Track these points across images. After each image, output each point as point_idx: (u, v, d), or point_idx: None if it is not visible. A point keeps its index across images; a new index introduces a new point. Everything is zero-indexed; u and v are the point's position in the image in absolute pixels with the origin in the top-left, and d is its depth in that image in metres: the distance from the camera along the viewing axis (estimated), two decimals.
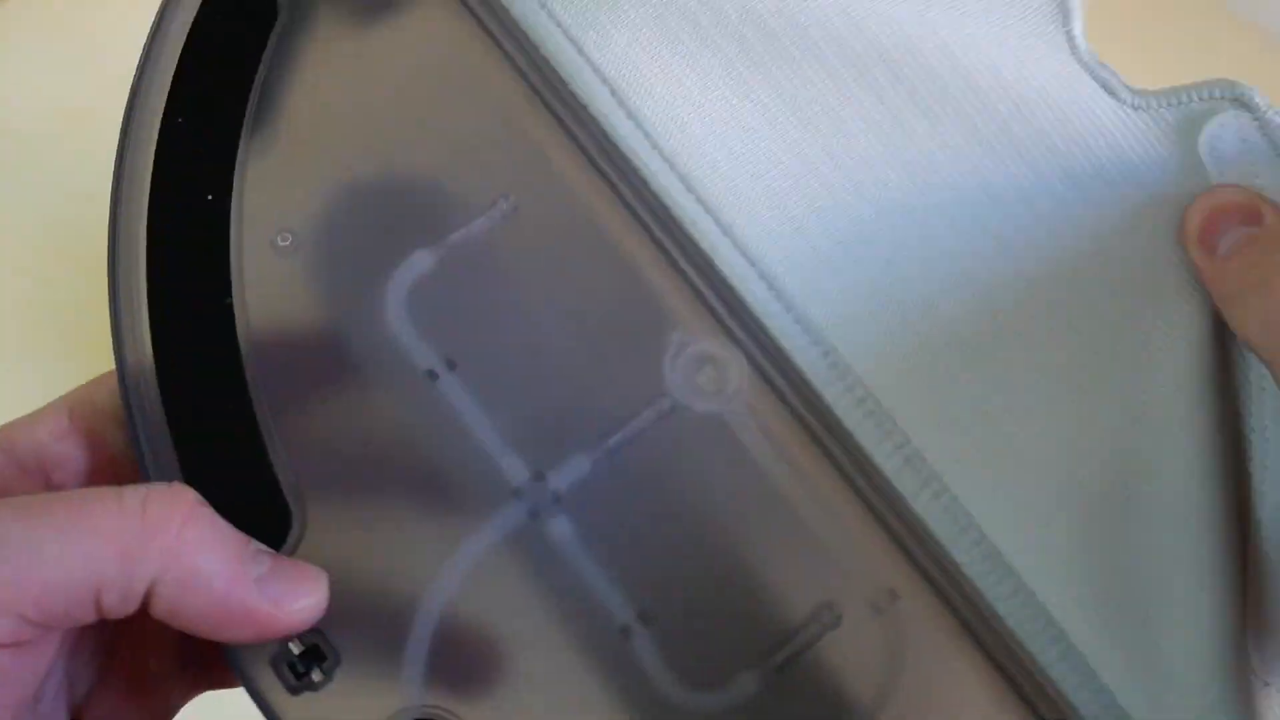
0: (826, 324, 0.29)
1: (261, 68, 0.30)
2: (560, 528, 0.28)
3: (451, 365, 0.29)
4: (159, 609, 0.25)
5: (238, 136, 0.30)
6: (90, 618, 0.25)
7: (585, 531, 0.28)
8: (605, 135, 0.30)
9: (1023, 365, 0.29)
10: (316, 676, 0.27)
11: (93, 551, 0.24)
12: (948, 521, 0.28)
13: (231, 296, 0.29)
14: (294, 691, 0.27)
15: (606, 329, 0.30)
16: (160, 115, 0.30)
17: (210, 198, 0.30)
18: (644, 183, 0.30)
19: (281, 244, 0.30)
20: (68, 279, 0.51)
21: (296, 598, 0.26)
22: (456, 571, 0.28)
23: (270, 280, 0.29)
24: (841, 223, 0.30)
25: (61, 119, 0.56)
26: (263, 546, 0.27)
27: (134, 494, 0.25)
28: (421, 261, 0.30)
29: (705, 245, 0.30)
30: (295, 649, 0.27)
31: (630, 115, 0.30)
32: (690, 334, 0.30)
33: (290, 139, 0.30)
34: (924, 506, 0.28)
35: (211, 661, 0.31)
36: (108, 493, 0.25)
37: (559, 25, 0.31)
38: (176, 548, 0.25)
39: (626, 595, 0.28)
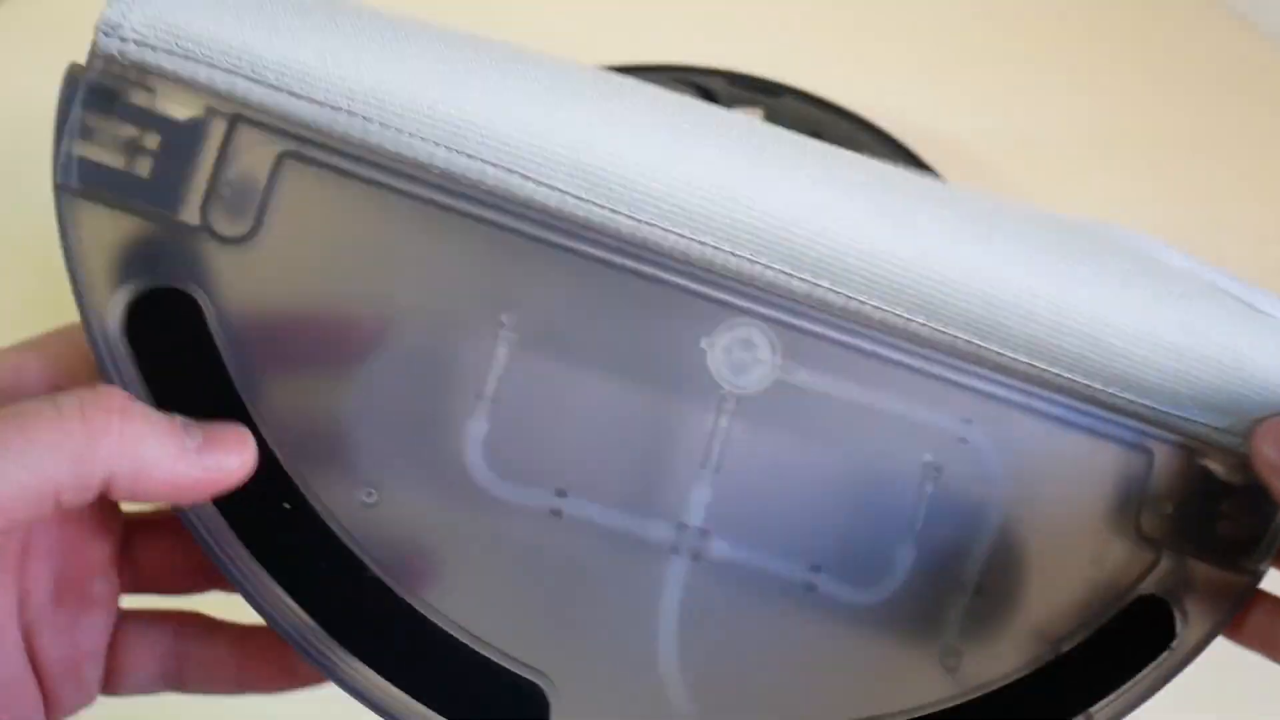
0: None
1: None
2: (720, 550, 0.33)
3: (563, 493, 0.32)
4: (117, 495, 0.28)
5: None
6: (51, 514, 0.28)
7: (738, 538, 0.33)
8: (544, 212, 0.32)
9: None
10: None
11: (45, 463, 0.27)
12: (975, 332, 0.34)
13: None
14: None
15: (648, 372, 0.33)
16: None
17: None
18: (594, 228, 0.32)
19: (368, 500, 0.31)
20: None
21: (230, 459, 0.30)
22: (672, 634, 0.33)
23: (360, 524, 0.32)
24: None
25: None
26: (190, 420, 0.30)
27: (69, 401, 0.28)
28: (478, 428, 0.32)
29: (676, 250, 0.32)
30: None
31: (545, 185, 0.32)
32: (713, 332, 0.33)
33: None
34: (956, 346, 0.34)
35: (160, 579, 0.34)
36: (44, 406, 0.27)
37: (430, 140, 0.31)
38: (120, 446, 0.28)
39: (794, 560, 0.33)
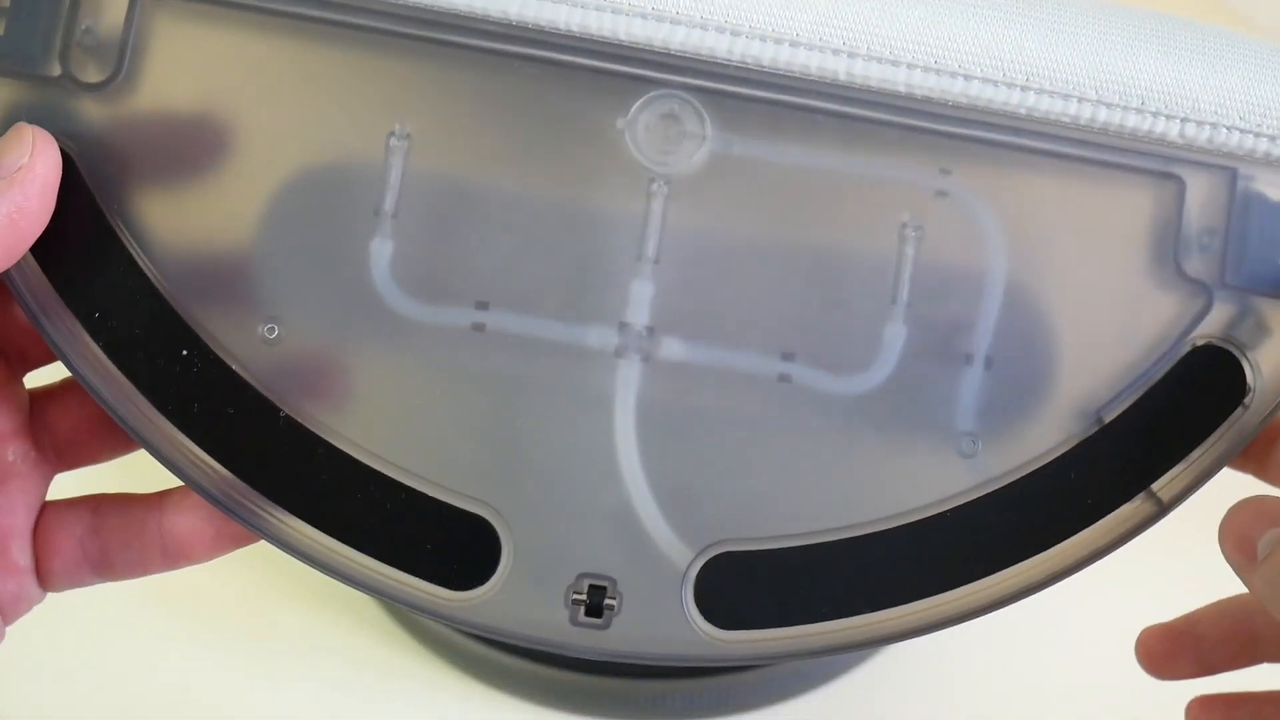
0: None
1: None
2: (672, 349, 0.29)
3: (484, 306, 0.29)
4: None
5: None
6: None
7: (691, 334, 0.29)
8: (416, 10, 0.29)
9: None
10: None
11: None
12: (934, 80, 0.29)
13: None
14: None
15: (562, 164, 0.30)
16: None
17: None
18: (478, 17, 0.29)
19: (270, 336, 0.29)
20: None
21: (25, 155, 0.27)
22: (632, 445, 0.29)
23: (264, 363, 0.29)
24: None
25: None
26: None
27: None
28: (382, 249, 0.29)
29: (573, 25, 0.29)
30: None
31: None
32: (629, 111, 0.30)
33: None
34: (913, 81, 0.29)
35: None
36: None
37: None
38: None
39: (762, 351, 0.29)
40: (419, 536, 0.29)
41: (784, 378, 0.29)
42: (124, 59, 0.29)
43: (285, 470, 0.29)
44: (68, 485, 0.32)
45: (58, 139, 0.28)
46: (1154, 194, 0.30)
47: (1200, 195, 0.30)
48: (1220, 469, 0.30)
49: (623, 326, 0.29)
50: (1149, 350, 0.30)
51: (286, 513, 0.29)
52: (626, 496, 0.29)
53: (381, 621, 0.47)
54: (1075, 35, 0.29)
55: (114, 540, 0.31)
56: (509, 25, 0.29)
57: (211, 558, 0.31)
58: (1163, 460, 0.30)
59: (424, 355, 0.29)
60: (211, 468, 0.29)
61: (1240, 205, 0.30)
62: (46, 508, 0.31)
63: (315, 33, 0.29)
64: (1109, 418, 0.30)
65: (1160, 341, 0.30)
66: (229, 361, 0.29)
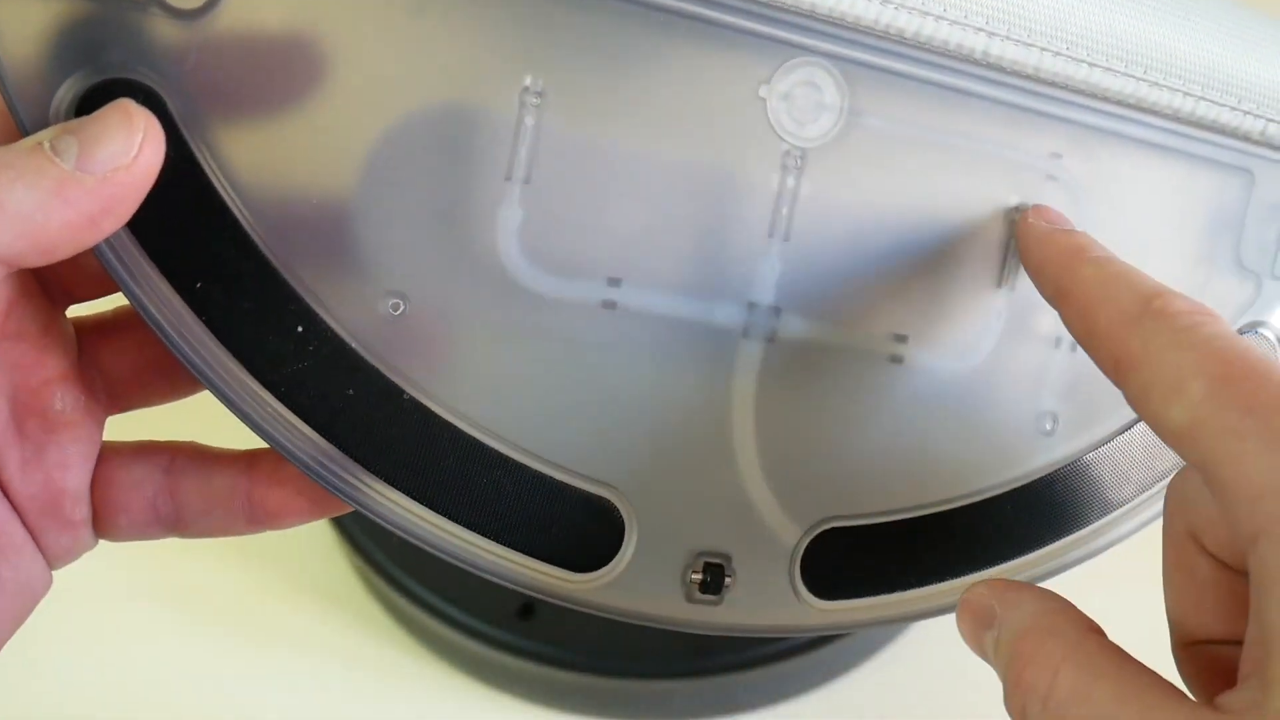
0: None
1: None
2: (794, 328, 0.29)
3: (616, 282, 0.28)
4: (25, 264, 0.24)
5: None
6: None
7: (813, 313, 0.29)
8: None
9: None
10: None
11: None
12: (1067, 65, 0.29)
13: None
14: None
15: (699, 131, 0.28)
16: None
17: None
18: None
19: (394, 312, 0.27)
20: None
21: (117, 146, 0.24)
22: (749, 426, 0.29)
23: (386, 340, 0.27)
24: None
25: None
26: (58, 130, 0.24)
27: None
28: (511, 217, 0.27)
29: None
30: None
31: None
32: (771, 78, 0.28)
33: None
34: (1042, 65, 0.29)
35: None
36: None
37: None
38: None
39: (877, 330, 0.29)
40: (543, 519, 0.28)
41: (895, 358, 0.30)
42: None
43: (399, 447, 0.27)
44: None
45: (142, 75, 0.24)
46: (1226, 184, 0.31)
47: (1266, 189, 0.31)
48: None
49: (751, 306, 0.29)
50: None
51: (405, 496, 0.27)
52: (740, 478, 0.29)
53: (381, 621, 0.45)
54: (1193, 31, 0.30)
55: (192, 503, 0.28)
56: None
57: (299, 523, 0.29)
58: None
59: (553, 332, 0.28)
60: (307, 437, 0.27)
61: None
62: (108, 457, 0.28)
63: None
64: None
65: None
66: (346, 338, 0.26)
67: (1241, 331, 0.32)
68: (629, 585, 0.29)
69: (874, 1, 0.28)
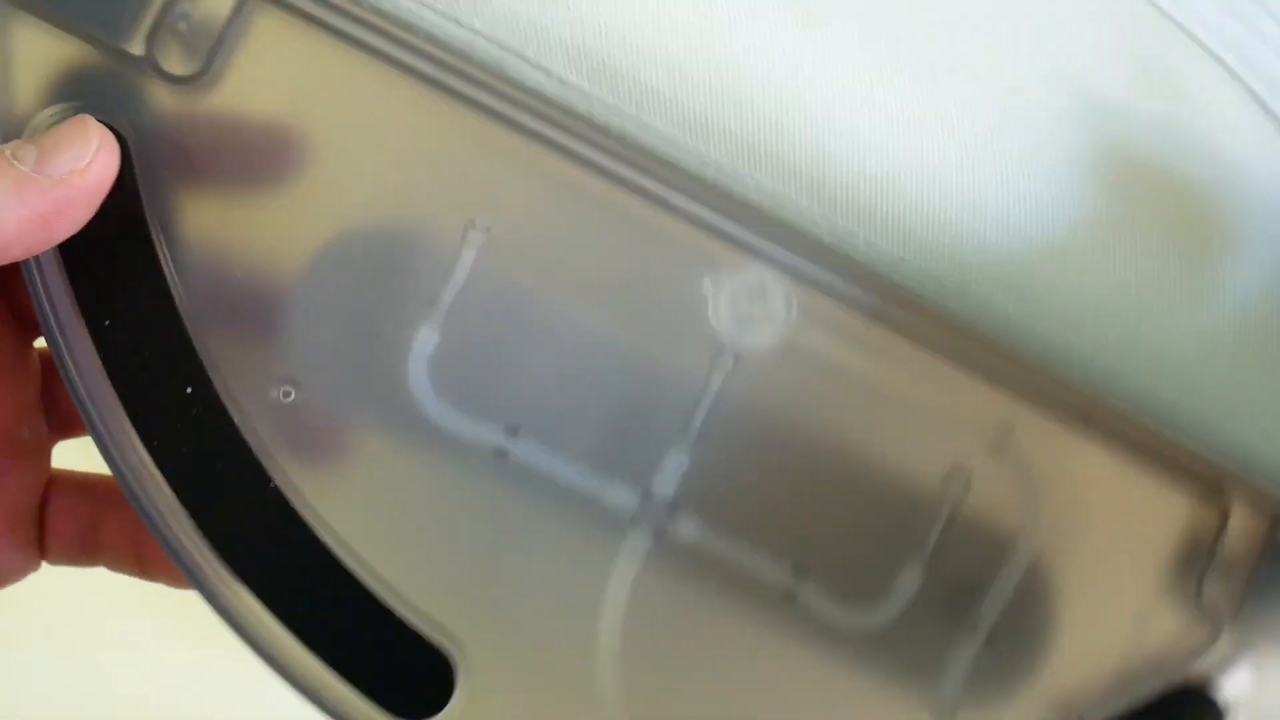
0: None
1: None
2: (688, 529, 0.28)
3: (514, 431, 0.27)
4: None
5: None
6: None
7: (712, 519, 0.28)
8: (541, 102, 0.27)
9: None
10: None
11: None
12: (1034, 343, 0.28)
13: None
14: None
15: (636, 308, 0.28)
16: None
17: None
18: (600, 130, 0.27)
19: (283, 398, 0.27)
20: None
21: (83, 160, 0.25)
22: (617, 620, 0.28)
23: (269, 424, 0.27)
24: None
25: None
26: (18, 140, 0.25)
27: None
28: (427, 341, 0.27)
29: (690, 168, 0.27)
30: None
31: (542, 69, 0.27)
32: (720, 273, 0.28)
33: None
34: (1010, 330, 0.28)
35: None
36: None
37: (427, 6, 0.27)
38: None
39: (774, 557, 0.28)
40: (373, 650, 0.27)
41: (789, 595, 0.28)
42: (215, 57, 0.26)
43: (253, 540, 0.27)
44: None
45: (119, 123, 0.26)
46: (1199, 513, 0.29)
47: (1242, 528, 0.29)
48: None
49: (646, 494, 0.28)
50: (1146, 669, 0.29)
51: (242, 585, 0.27)
52: (592, 674, 0.27)
53: None
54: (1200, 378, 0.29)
55: (104, 533, 0.30)
56: (625, 145, 0.27)
57: (178, 586, 0.30)
58: None
59: (437, 466, 0.27)
60: (171, 505, 0.26)
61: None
62: (56, 481, 0.30)
63: (426, 92, 0.27)
64: None
65: (1160, 664, 0.29)
66: (231, 411, 0.27)
67: (1195, 687, 0.29)
68: None
69: (843, 227, 0.27)
